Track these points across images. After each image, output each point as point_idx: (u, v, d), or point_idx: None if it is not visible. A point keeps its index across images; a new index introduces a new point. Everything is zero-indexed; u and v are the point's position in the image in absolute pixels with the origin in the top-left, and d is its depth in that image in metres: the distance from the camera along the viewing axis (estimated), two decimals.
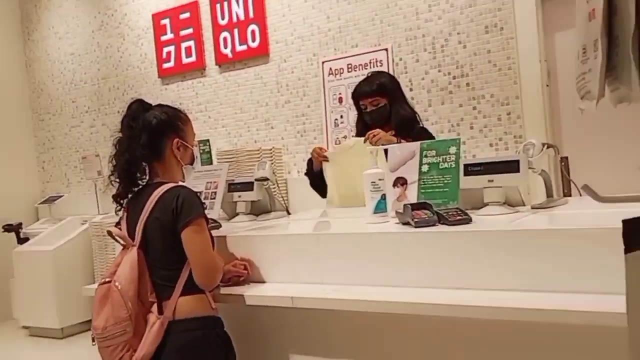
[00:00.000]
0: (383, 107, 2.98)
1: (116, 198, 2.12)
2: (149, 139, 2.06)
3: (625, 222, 0.93)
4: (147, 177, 2.11)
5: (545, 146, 2.23)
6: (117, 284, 1.93)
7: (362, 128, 3.08)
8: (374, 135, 2.79)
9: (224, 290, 2.08)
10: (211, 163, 4.53)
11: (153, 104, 2.17)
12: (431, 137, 2.94)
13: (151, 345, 1.91)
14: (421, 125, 3.10)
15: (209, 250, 1.98)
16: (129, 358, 1.92)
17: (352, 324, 1.95)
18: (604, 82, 1.08)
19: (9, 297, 5.95)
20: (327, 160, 2.92)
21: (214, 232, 2.15)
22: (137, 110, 2.10)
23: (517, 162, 2.07)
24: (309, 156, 3.07)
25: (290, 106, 4.82)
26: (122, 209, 2.14)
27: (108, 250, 5.36)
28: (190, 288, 1.96)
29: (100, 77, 6.19)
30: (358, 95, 3.05)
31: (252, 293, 2.03)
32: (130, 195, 2.11)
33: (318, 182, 3.03)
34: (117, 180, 2.10)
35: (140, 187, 2.10)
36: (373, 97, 2.98)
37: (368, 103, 3.00)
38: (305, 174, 3.18)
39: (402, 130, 2.93)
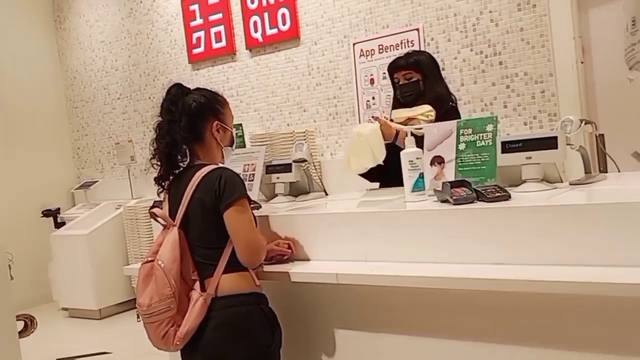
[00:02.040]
0: (415, 82, 2.94)
1: (158, 180, 2.16)
2: (189, 122, 2.09)
3: None
4: (188, 160, 2.15)
5: (583, 122, 2.22)
6: (160, 262, 1.98)
7: (396, 104, 3.06)
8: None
9: (268, 268, 2.13)
10: (244, 147, 4.58)
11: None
12: (459, 117, 2.90)
13: (195, 320, 1.97)
14: (454, 104, 3.07)
15: (252, 229, 2.02)
16: (174, 333, 1.98)
17: (395, 300, 1.98)
18: None
19: (49, 280, 6.11)
20: None
21: (255, 213, 2.19)
22: (177, 94, 2.13)
23: (555, 138, 2.07)
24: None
25: (322, 89, 4.85)
26: (164, 190, 2.18)
27: (140, 233, 5.49)
28: (233, 266, 2.01)
29: (131, 63, 6.27)
30: (393, 67, 3.03)
31: (297, 270, 2.07)
32: (171, 177, 2.15)
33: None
34: (158, 163, 2.13)
35: (182, 169, 2.14)
36: (407, 70, 2.96)
37: (401, 76, 2.98)
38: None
39: (435, 107, 2.89)
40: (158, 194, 2.21)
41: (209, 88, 2.24)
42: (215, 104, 2.17)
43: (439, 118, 2.81)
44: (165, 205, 2.16)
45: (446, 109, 2.92)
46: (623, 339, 1.60)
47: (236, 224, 1.98)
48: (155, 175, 2.16)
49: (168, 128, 2.10)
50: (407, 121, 2.86)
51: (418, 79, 2.95)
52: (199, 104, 2.12)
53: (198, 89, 2.20)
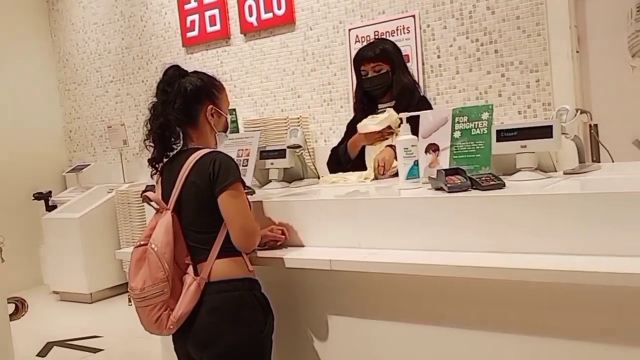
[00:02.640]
0: (385, 73, 2.89)
1: (151, 162, 2.14)
2: (184, 104, 2.07)
3: None
4: (181, 143, 2.13)
5: (579, 112, 2.22)
6: (153, 246, 1.97)
7: (362, 96, 3.02)
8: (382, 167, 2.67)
9: (262, 254, 2.12)
10: (237, 132, 4.56)
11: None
12: (430, 107, 2.86)
13: (188, 305, 1.96)
14: (422, 94, 3.02)
15: (247, 213, 2.01)
16: (167, 317, 1.97)
17: (388, 287, 1.99)
18: None
19: (40, 263, 6.10)
20: None
21: (249, 198, 2.17)
22: (173, 75, 2.11)
23: (551, 127, 2.07)
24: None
25: (317, 74, 4.82)
26: (157, 172, 2.16)
27: (132, 217, 5.47)
28: (227, 251, 2.00)
29: (124, 46, 6.22)
30: (360, 59, 2.95)
31: (290, 256, 2.07)
32: (165, 160, 2.14)
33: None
34: (152, 144, 2.12)
35: (175, 152, 2.12)
36: (375, 62, 2.89)
37: (370, 68, 2.91)
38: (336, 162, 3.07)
39: (403, 99, 2.86)
40: (151, 176, 2.19)
41: (207, 72, 2.21)
42: (211, 88, 2.15)
43: (408, 109, 2.79)
44: (158, 189, 2.15)
45: (418, 100, 2.89)
46: (615, 328, 1.61)
47: (231, 208, 1.98)
48: (149, 157, 2.15)
49: (162, 109, 2.08)
50: (377, 135, 2.81)
51: (387, 70, 2.90)
52: (194, 87, 2.10)
53: (195, 72, 2.18)
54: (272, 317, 2.08)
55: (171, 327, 1.98)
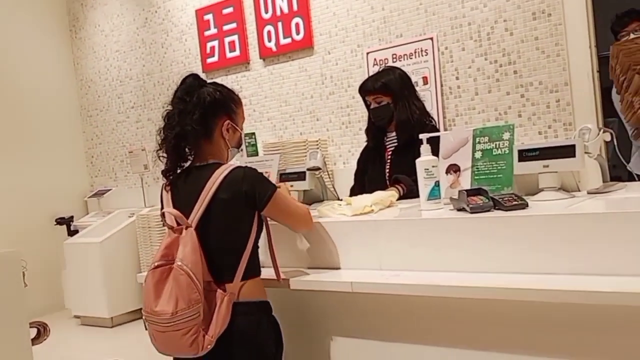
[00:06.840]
0: (385, 105, 2.88)
1: (166, 173, 2.08)
2: (201, 115, 2.01)
3: None
4: (194, 155, 2.07)
5: (601, 130, 2.20)
6: (183, 266, 1.86)
7: (371, 124, 3.03)
8: None
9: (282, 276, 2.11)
10: (257, 155, 4.58)
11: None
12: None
13: (224, 320, 1.89)
14: (432, 124, 2.96)
15: (295, 205, 2.10)
16: (203, 337, 1.87)
17: (409, 308, 1.96)
18: None
19: (61, 288, 6.13)
20: None
21: (271, 222, 2.15)
22: (192, 85, 2.06)
23: (573, 146, 2.05)
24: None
25: (335, 97, 4.84)
26: (168, 185, 2.09)
27: (153, 241, 5.48)
28: (250, 272, 1.98)
29: (145, 73, 6.30)
30: (363, 91, 2.98)
31: (311, 278, 2.06)
32: (175, 174, 2.08)
33: None
34: (165, 155, 2.05)
35: (189, 166, 2.06)
36: (375, 95, 2.91)
37: (372, 100, 2.93)
38: None
39: (402, 134, 2.86)
40: (165, 188, 2.12)
41: (225, 85, 2.17)
42: (230, 102, 2.11)
43: (413, 141, 2.76)
44: (168, 204, 2.06)
45: (426, 130, 2.82)
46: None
47: (282, 212, 2.05)
48: (163, 169, 2.09)
49: (179, 118, 2.02)
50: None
51: (388, 102, 2.88)
52: (213, 99, 2.04)
53: (214, 83, 2.13)
54: (282, 349, 2.05)
55: (209, 346, 1.89)
